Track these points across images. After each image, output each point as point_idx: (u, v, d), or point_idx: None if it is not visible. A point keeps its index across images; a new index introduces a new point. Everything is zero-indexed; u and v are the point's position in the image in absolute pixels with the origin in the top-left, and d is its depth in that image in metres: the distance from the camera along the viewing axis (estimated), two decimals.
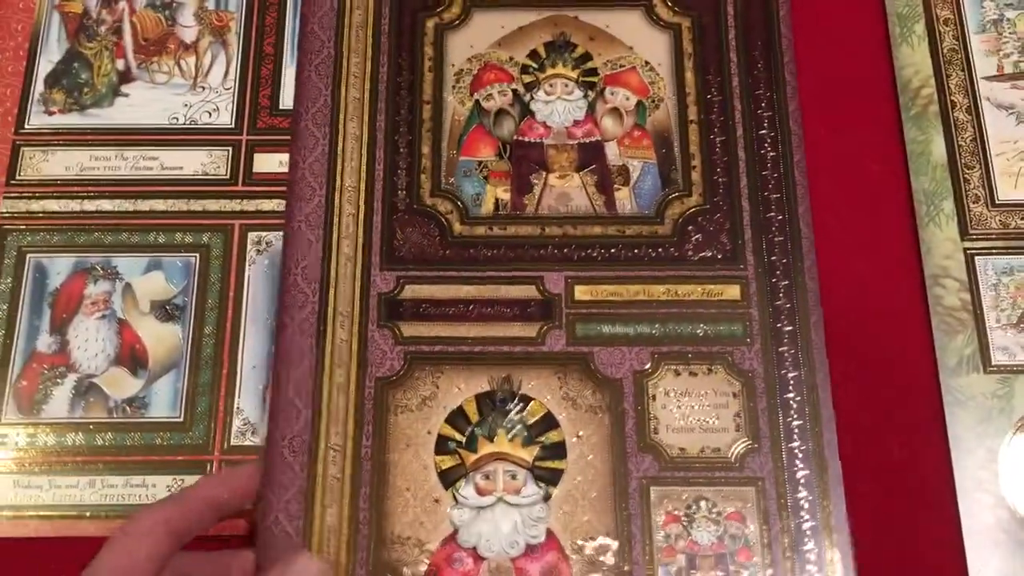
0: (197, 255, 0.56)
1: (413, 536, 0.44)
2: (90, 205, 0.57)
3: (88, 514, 0.51)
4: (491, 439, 0.45)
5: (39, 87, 0.60)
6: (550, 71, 0.53)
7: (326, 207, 0.49)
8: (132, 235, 0.57)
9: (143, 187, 0.58)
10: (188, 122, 0.59)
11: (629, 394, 0.46)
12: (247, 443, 0.52)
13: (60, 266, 0.56)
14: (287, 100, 0.60)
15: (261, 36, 0.61)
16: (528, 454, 0.45)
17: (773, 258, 0.48)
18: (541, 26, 0.54)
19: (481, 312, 0.48)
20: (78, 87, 0.60)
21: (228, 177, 0.58)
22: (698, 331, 0.47)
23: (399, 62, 0.53)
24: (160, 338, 0.55)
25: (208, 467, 0.52)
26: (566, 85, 0.53)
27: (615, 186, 0.51)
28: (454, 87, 0.53)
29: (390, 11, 0.53)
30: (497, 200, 0.50)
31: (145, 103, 0.60)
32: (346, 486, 0.45)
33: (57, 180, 0.58)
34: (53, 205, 0.57)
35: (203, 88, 0.60)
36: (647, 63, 0.53)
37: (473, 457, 0.45)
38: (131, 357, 0.54)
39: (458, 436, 0.46)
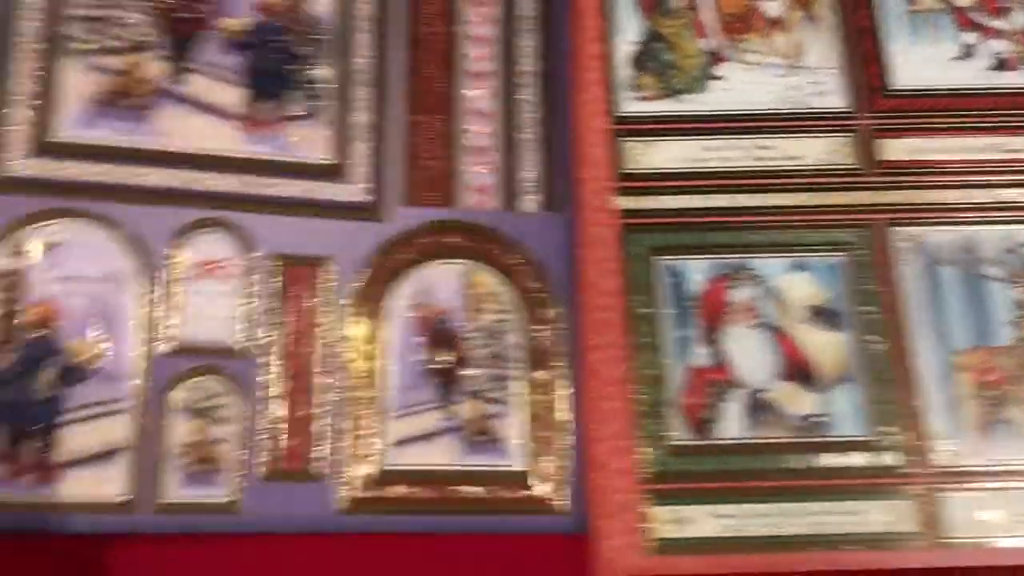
0: (842, 254, 0.50)
1: None
2: (711, 200, 0.52)
3: (792, 544, 0.46)
4: None
5: (624, 70, 0.54)
6: None
7: None
8: (763, 233, 0.51)
9: (765, 180, 0.52)
10: (797, 106, 0.53)
11: None
12: (957, 467, 0.47)
13: (695, 269, 0.50)
14: (901, 79, 0.54)
15: (853, 9, 0.55)
16: None
17: None
18: None
19: None
20: (665, 70, 0.54)
21: (858, 166, 0.52)
22: None
23: None
24: (824, 347, 0.49)
25: (908, 495, 0.46)
26: None
27: None
28: None
29: None
30: None
31: (743, 86, 0.54)
32: None
33: (668, 173, 0.52)
34: (670, 201, 0.52)
35: (804, 68, 0.54)
36: None
37: None
38: (798, 369, 0.49)
39: None
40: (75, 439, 0.43)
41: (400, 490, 0.44)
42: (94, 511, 0.42)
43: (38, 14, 0.47)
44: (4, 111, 0.45)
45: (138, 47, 0.47)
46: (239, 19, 0.49)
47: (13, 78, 0.46)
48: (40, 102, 0.46)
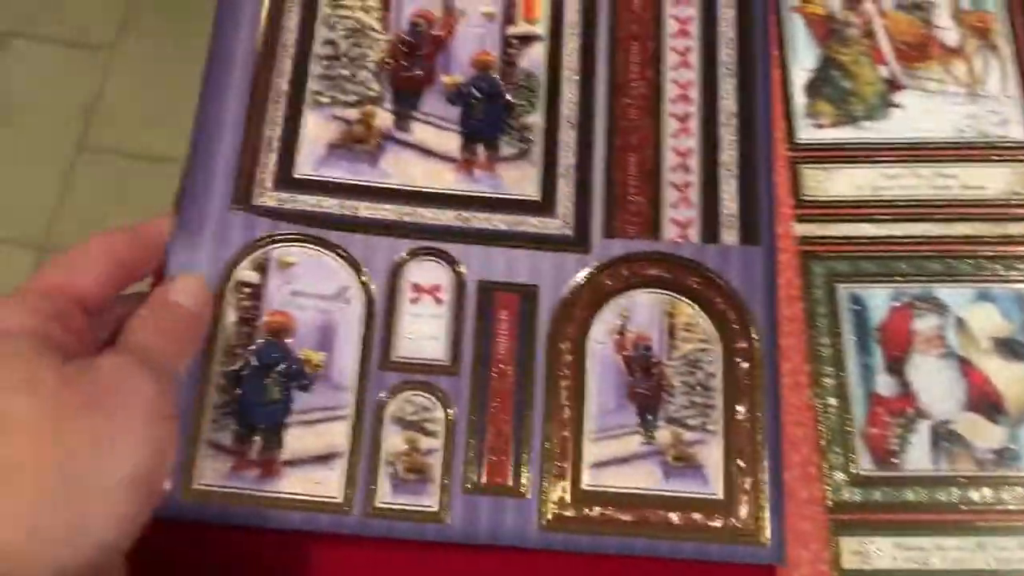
0: None
1: None
2: (892, 228, 0.51)
3: None
4: None
5: (800, 98, 0.54)
6: None
7: None
8: (944, 262, 0.50)
9: (947, 208, 0.51)
10: (977, 135, 0.53)
11: None
12: None
13: (877, 297, 0.50)
14: None
15: None
16: None
17: None
18: None
19: None
20: (843, 97, 0.54)
21: None
22: None
23: None
24: (1011, 379, 0.48)
25: None
26: None
27: None
28: None
29: None
30: None
31: (922, 114, 0.54)
32: None
33: (847, 200, 0.52)
34: (849, 228, 0.51)
35: (983, 97, 0.53)
36: None
37: None
38: (985, 401, 0.48)
39: None
40: (297, 441, 0.45)
41: (597, 511, 0.44)
42: (310, 509, 0.44)
43: (289, 72, 0.50)
44: (259, 151, 0.49)
45: (370, 100, 0.50)
46: (457, 75, 0.51)
47: (268, 124, 0.50)
48: (287, 144, 0.49)
